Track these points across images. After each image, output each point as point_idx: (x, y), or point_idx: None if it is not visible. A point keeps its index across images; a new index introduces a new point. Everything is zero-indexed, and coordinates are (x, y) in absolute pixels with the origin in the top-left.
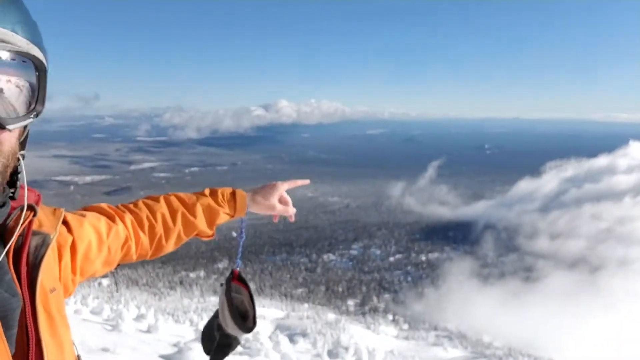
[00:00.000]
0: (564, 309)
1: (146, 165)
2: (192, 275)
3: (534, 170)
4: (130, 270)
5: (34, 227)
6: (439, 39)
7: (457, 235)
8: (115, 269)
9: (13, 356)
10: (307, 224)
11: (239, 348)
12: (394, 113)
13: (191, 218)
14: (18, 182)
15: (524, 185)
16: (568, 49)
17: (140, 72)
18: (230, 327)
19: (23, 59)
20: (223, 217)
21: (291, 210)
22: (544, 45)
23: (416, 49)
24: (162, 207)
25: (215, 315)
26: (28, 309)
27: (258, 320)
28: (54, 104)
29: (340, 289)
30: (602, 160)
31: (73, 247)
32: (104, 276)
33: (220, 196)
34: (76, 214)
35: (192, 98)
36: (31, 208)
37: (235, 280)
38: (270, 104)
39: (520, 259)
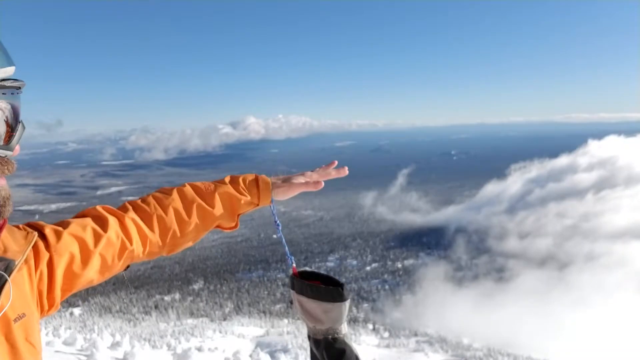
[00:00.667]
0: (536, 307)
1: (113, 189)
2: (167, 298)
3: (500, 173)
4: (102, 298)
5: None
6: (402, 50)
7: (431, 241)
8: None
9: None
10: None
11: None
12: (361, 125)
13: (209, 209)
14: None
15: (491, 188)
16: (528, 53)
17: (103, 95)
18: (316, 313)
19: None
20: (246, 206)
21: (315, 177)
22: (504, 51)
23: (380, 60)
24: (174, 201)
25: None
26: None
27: (238, 339)
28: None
29: None
30: (563, 160)
31: (50, 264)
32: (76, 305)
33: (241, 183)
34: (58, 225)
35: (158, 119)
36: None
37: (300, 278)
38: (238, 121)
39: (492, 260)
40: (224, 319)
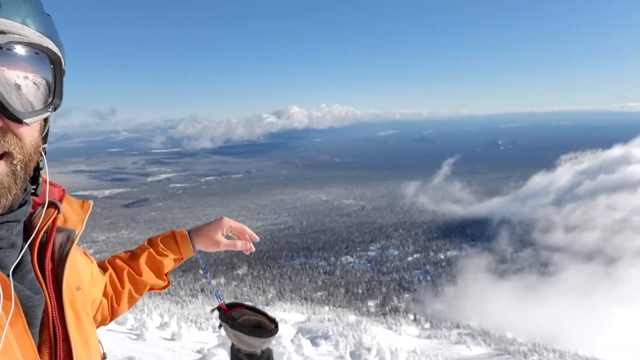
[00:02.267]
0: (581, 302)
1: (163, 176)
2: (212, 282)
3: (549, 164)
4: None
5: (59, 223)
6: (447, 38)
7: (475, 232)
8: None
9: (39, 353)
10: (324, 227)
11: None
12: (404, 114)
13: (137, 277)
14: (40, 178)
15: (539, 179)
16: (582, 39)
17: (154, 85)
18: (254, 344)
19: (35, 51)
20: (170, 264)
21: (240, 245)
22: (557, 36)
23: (425, 48)
24: (109, 271)
25: (234, 352)
26: (54, 306)
27: (279, 323)
28: (72, 121)
29: (360, 291)
30: (617, 151)
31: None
32: None
33: (160, 245)
34: None
35: (205, 108)
36: (54, 205)
37: (228, 311)
38: (282, 110)
39: (536, 253)
40: (267, 304)
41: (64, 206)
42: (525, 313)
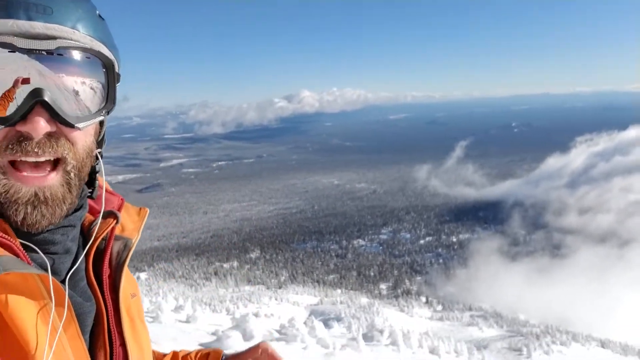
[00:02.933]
0: (594, 284)
1: (175, 161)
2: (225, 265)
3: (564, 146)
4: (166, 264)
5: (117, 231)
6: (460, 18)
7: (488, 215)
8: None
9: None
10: (336, 210)
11: (275, 334)
12: (416, 96)
13: None
14: (96, 182)
15: (553, 161)
16: (596, 18)
17: (165, 70)
18: None
19: (87, 55)
20: None
21: None
22: (571, 16)
23: (437, 29)
24: None
25: None
26: (111, 313)
27: (292, 306)
28: None
29: (372, 274)
30: (632, 132)
31: None
32: (142, 270)
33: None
34: None
35: (216, 93)
36: (113, 215)
37: None
38: (293, 94)
39: (549, 236)
40: (279, 287)
41: (122, 214)
42: (538, 295)
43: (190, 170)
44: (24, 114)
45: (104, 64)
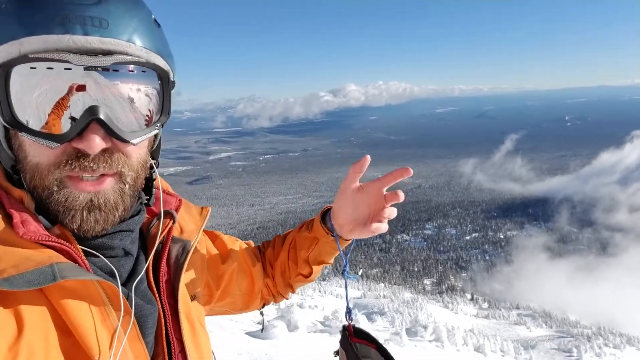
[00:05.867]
0: None
1: (223, 154)
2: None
3: (620, 140)
4: None
5: (175, 233)
6: (511, 8)
7: (537, 212)
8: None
9: None
10: None
11: (319, 326)
12: (464, 89)
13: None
14: (153, 189)
15: (606, 157)
16: None
17: (215, 66)
18: None
19: (142, 69)
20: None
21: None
22: (629, 5)
23: (485, 20)
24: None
25: None
26: (169, 317)
27: (336, 299)
28: None
29: (416, 269)
30: None
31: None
32: None
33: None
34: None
35: (263, 88)
36: (170, 215)
37: (354, 338)
38: (338, 88)
39: (598, 234)
40: (323, 280)
41: (181, 215)
42: (587, 295)
43: (238, 163)
44: (80, 132)
45: (160, 75)
